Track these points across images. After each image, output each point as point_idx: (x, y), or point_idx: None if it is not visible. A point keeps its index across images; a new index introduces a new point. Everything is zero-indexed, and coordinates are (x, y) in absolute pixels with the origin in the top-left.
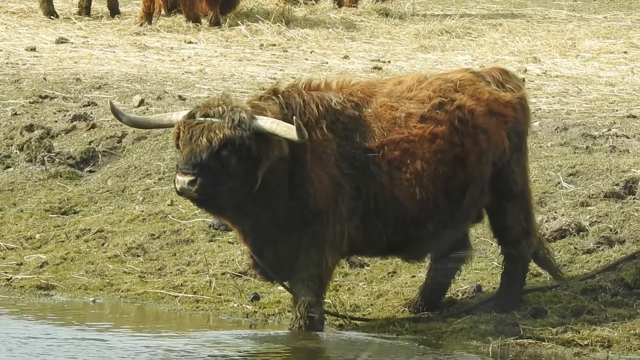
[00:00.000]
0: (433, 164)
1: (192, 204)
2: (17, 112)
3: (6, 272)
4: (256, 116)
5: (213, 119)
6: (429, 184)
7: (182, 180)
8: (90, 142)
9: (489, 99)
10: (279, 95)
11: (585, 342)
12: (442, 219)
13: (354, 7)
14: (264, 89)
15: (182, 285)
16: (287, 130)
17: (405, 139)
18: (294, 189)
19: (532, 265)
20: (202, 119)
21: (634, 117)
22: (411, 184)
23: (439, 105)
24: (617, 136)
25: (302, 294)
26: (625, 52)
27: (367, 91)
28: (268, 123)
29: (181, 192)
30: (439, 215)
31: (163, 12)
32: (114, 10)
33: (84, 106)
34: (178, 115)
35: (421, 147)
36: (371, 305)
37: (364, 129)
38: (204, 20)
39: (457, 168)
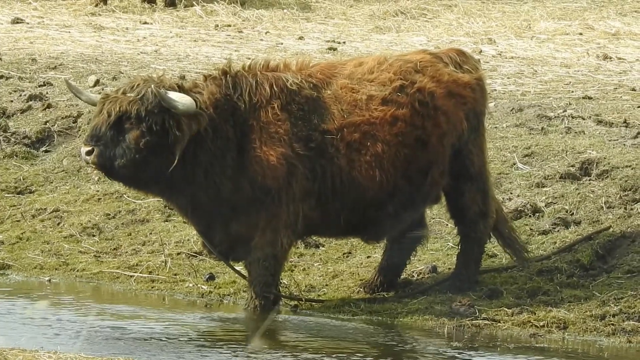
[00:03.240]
0: (394, 147)
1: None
2: None
3: None
4: (168, 92)
5: (127, 95)
6: (389, 166)
7: (82, 150)
8: (45, 122)
9: (449, 81)
10: (227, 75)
11: (541, 324)
12: (402, 200)
13: None
14: (217, 69)
15: (137, 265)
16: (185, 104)
17: (366, 122)
18: (242, 168)
19: (488, 246)
20: (116, 95)
21: (590, 98)
22: (371, 166)
23: (400, 88)
24: (572, 117)
25: (258, 274)
26: (581, 34)
27: (327, 72)
28: (169, 98)
29: (86, 163)
30: (398, 196)
31: None
32: None
33: (39, 86)
34: None
35: (382, 130)
36: (326, 285)
37: (322, 111)
38: (159, 1)
39: (418, 150)
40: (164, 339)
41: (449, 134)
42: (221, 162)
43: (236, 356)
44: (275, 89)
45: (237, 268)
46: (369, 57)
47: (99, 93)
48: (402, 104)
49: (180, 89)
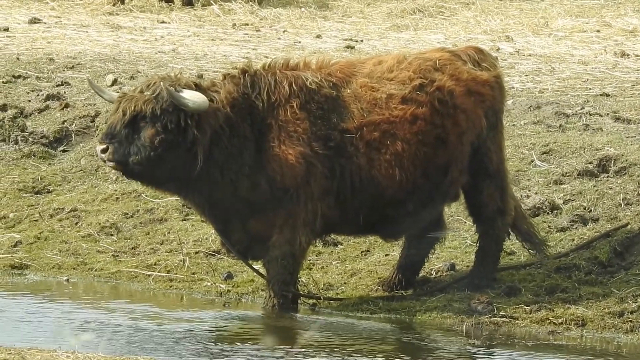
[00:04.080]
0: (414, 145)
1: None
2: None
3: None
4: (182, 90)
5: (143, 93)
6: (409, 164)
7: (97, 148)
8: (63, 122)
9: (468, 79)
10: (246, 74)
11: (560, 321)
12: (421, 198)
13: None
14: (236, 69)
15: (155, 264)
16: (196, 102)
17: (385, 120)
18: (261, 166)
19: (506, 243)
20: (133, 93)
21: (607, 95)
22: (391, 165)
23: (420, 87)
24: (590, 114)
25: (276, 272)
26: (598, 31)
27: (347, 71)
28: (179, 96)
29: (102, 161)
30: (418, 195)
31: None
32: None
33: (57, 86)
34: None
35: (402, 129)
36: (345, 283)
37: (341, 110)
38: (176, 0)
39: (438, 148)
40: (183, 338)
41: (468, 132)
42: (238, 160)
43: (255, 355)
44: (295, 87)
45: (255, 267)
46: (388, 56)
47: (117, 92)
48: (422, 103)
49: (198, 87)
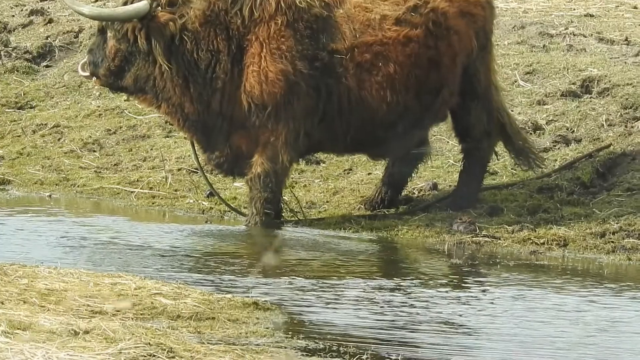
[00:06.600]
0: (406, 67)
1: None
2: None
3: None
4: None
5: None
6: (400, 87)
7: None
8: (47, 37)
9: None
10: None
11: (542, 241)
12: (412, 120)
13: None
14: None
15: (138, 180)
16: (95, 10)
17: (378, 42)
18: (239, 82)
19: (489, 163)
20: None
21: (592, 16)
22: (382, 87)
23: (414, 8)
24: (574, 35)
25: (258, 190)
26: None
27: None
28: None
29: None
30: (408, 116)
31: None
32: None
33: (40, 1)
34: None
35: (395, 50)
36: (327, 202)
37: (332, 30)
38: None
39: (431, 71)
40: (162, 252)
41: (461, 53)
42: (205, 73)
43: (233, 265)
44: (282, 5)
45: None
46: None
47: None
48: (415, 24)
49: (172, 2)
